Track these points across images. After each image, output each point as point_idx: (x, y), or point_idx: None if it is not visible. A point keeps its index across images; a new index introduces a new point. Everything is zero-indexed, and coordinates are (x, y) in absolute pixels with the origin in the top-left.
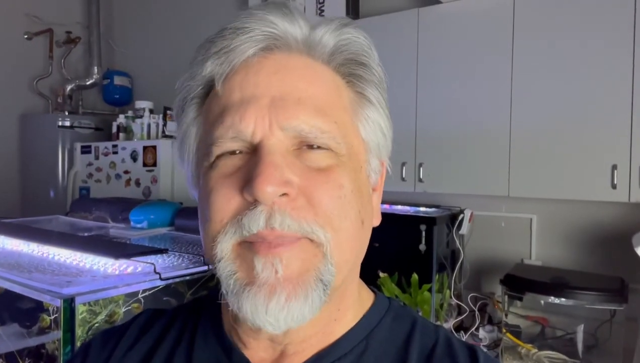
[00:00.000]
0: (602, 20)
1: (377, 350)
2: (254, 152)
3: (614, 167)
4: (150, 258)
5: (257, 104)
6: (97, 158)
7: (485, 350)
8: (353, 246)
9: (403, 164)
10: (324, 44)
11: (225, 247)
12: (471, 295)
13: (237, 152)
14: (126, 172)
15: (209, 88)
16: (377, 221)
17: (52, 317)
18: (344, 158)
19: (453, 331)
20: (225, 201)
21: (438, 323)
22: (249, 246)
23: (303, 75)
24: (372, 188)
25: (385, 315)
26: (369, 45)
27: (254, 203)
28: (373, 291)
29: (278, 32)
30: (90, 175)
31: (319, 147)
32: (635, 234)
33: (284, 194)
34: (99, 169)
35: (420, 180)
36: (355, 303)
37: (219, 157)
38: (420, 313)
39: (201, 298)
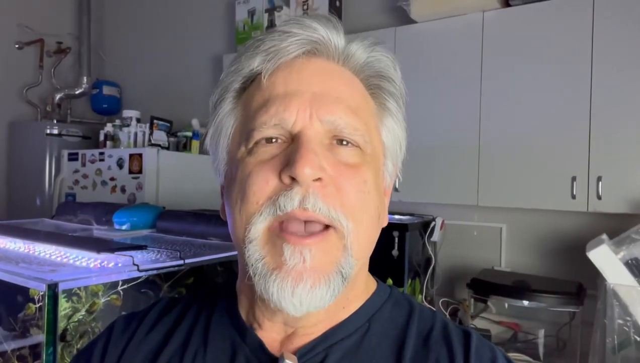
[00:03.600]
0: (563, 41)
1: (379, 331)
2: (292, 140)
3: (574, 178)
4: (129, 253)
5: (300, 98)
6: (83, 165)
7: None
8: (369, 238)
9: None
10: (357, 57)
11: (258, 229)
12: (442, 300)
13: (274, 141)
14: (112, 179)
15: (248, 83)
16: (385, 221)
17: (37, 305)
18: (368, 158)
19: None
20: (263, 183)
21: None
22: (278, 234)
23: (340, 78)
24: (384, 189)
25: (386, 301)
26: (394, 64)
27: (290, 185)
28: (376, 280)
29: (320, 38)
30: (76, 182)
31: (348, 143)
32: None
33: (318, 179)
34: (85, 176)
35: (395, 189)
36: (362, 292)
37: (256, 144)
38: None
39: (218, 284)
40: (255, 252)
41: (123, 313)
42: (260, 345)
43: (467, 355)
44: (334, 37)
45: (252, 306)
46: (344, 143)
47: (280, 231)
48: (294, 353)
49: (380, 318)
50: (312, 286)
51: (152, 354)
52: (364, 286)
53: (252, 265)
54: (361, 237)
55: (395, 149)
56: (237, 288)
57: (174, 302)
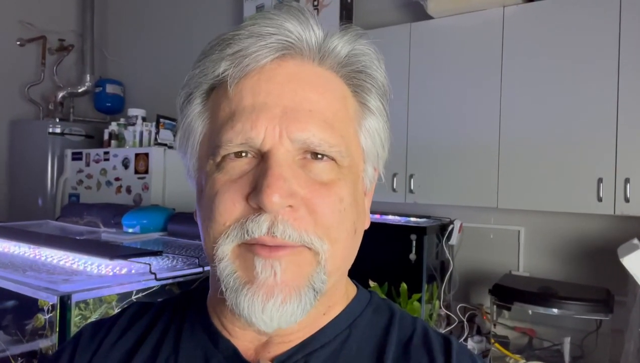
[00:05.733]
0: (589, 36)
1: (359, 337)
2: (261, 158)
3: (600, 180)
4: (145, 260)
5: (269, 113)
6: (87, 164)
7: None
8: (345, 255)
9: (394, 175)
10: (336, 53)
11: (226, 249)
12: (460, 305)
13: (243, 155)
14: (117, 179)
15: (216, 85)
16: (367, 224)
17: (47, 317)
18: (345, 171)
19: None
20: (230, 205)
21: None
22: (249, 248)
23: (314, 86)
24: (364, 193)
25: (366, 307)
26: (379, 59)
27: (259, 209)
28: (356, 284)
29: (293, 40)
30: (80, 182)
31: (323, 157)
32: (620, 245)
33: (289, 206)
34: (89, 176)
35: (411, 191)
36: (342, 298)
37: (224, 158)
38: None
39: (189, 291)
40: (227, 268)
41: None
42: (235, 352)
43: (448, 362)
44: (309, 36)
45: (221, 316)
46: (319, 156)
47: (249, 246)
48: (271, 361)
49: (361, 324)
50: (283, 301)
51: (121, 362)
52: (344, 292)
53: (224, 280)
54: (337, 256)
55: (376, 152)
56: (208, 298)
57: (145, 308)
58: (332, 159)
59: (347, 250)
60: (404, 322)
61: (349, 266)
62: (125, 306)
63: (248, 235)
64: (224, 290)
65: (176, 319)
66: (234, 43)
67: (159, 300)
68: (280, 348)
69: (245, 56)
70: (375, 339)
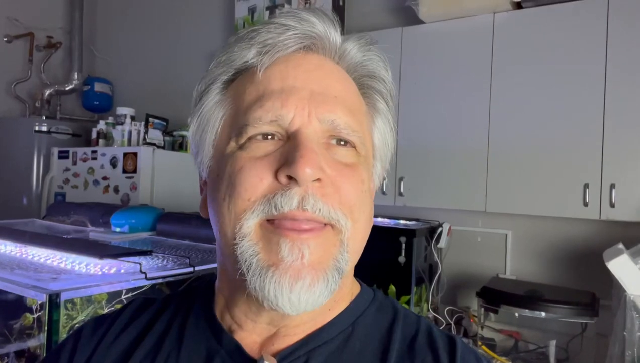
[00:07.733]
0: (577, 43)
1: (362, 335)
2: (288, 139)
3: (586, 186)
4: (135, 259)
5: (298, 95)
6: (74, 163)
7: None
8: (364, 237)
9: (384, 178)
10: (352, 56)
11: (250, 225)
12: (448, 308)
13: (269, 137)
14: (105, 178)
15: (237, 75)
16: (372, 222)
17: (36, 315)
18: (362, 158)
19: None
20: (257, 181)
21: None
22: (273, 229)
23: (337, 77)
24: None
25: (370, 304)
26: (387, 66)
27: (288, 185)
28: (359, 283)
29: (318, 33)
30: (67, 181)
31: (346, 143)
32: (606, 250)
33: (317, 179)
34: (76, 175)
35: (400, 194)
36: (347, 295)
37: (249, 139)
38: None
39: (194, 285)
40: (249, 248)
41: None
42: (238, 348)
43: (453, 361)
44: (332, 33)
45: (232, 307)
46: (341, 142)
47: (274, 228)
48: (274, 356)
49: (364, 322)
50: (311, 283)
51: (122, 356)
52: (350, 289)
53: (246, 261)
54: (358, 235)
55: (385, 151)
56: (216, 289)
57: (149, 303)
58: (353, 146)
59: (365, 233)
60: (407, 321)
61: (360, 253)
62: (117, 305)
63: (276, 210)
64: (244, 271)
65: (180, 314)
66: (263, 32)
67: (162, 295)
68: (284, 342)
69: (274, 44)
70: (379, 337)
